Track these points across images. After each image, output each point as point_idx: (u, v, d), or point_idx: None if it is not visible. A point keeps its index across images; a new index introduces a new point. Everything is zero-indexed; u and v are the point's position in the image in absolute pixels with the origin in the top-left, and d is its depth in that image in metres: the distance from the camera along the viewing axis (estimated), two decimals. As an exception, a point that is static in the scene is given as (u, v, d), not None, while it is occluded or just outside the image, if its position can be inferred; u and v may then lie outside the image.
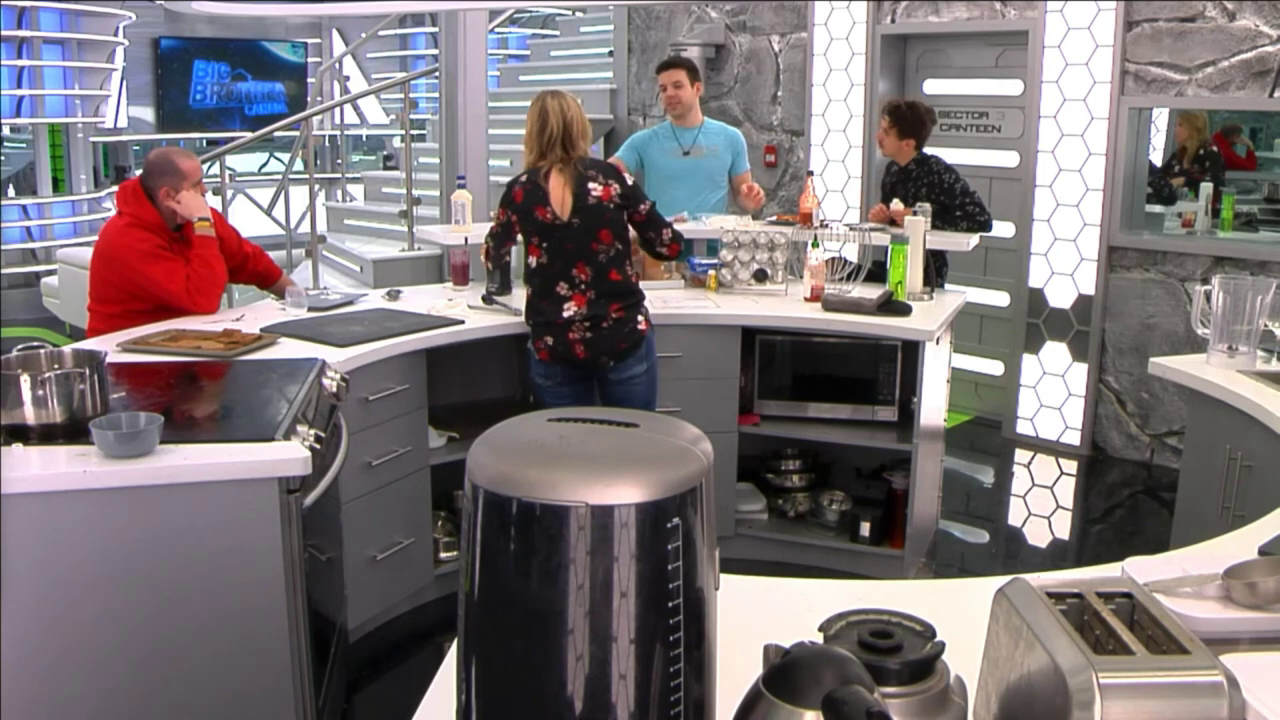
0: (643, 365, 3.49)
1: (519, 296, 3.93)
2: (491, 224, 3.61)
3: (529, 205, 3.39)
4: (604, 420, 1.11)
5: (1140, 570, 1.62)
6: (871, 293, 3.88)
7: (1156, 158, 5.26)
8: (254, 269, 3.86)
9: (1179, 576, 1.60)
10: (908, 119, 4.54)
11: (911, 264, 3.94)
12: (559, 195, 3.38)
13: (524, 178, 3.45)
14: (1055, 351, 5.33)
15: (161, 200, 3.41)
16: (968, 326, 5.59)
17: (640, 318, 3.47)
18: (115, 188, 3.85)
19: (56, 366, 2.38)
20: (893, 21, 5.82)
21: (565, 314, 3.38)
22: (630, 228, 3.49)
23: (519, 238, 3.50)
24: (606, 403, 3.53)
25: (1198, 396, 3.05)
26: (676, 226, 4.42)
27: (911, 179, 4.55)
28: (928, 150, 4.60)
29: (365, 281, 5.92)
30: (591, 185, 3.38)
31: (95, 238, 3.63)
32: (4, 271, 7.73)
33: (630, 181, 3.49)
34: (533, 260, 3.44)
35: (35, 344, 2.51)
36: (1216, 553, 1.74)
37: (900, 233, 4.02)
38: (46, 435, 2.26)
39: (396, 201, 6.69)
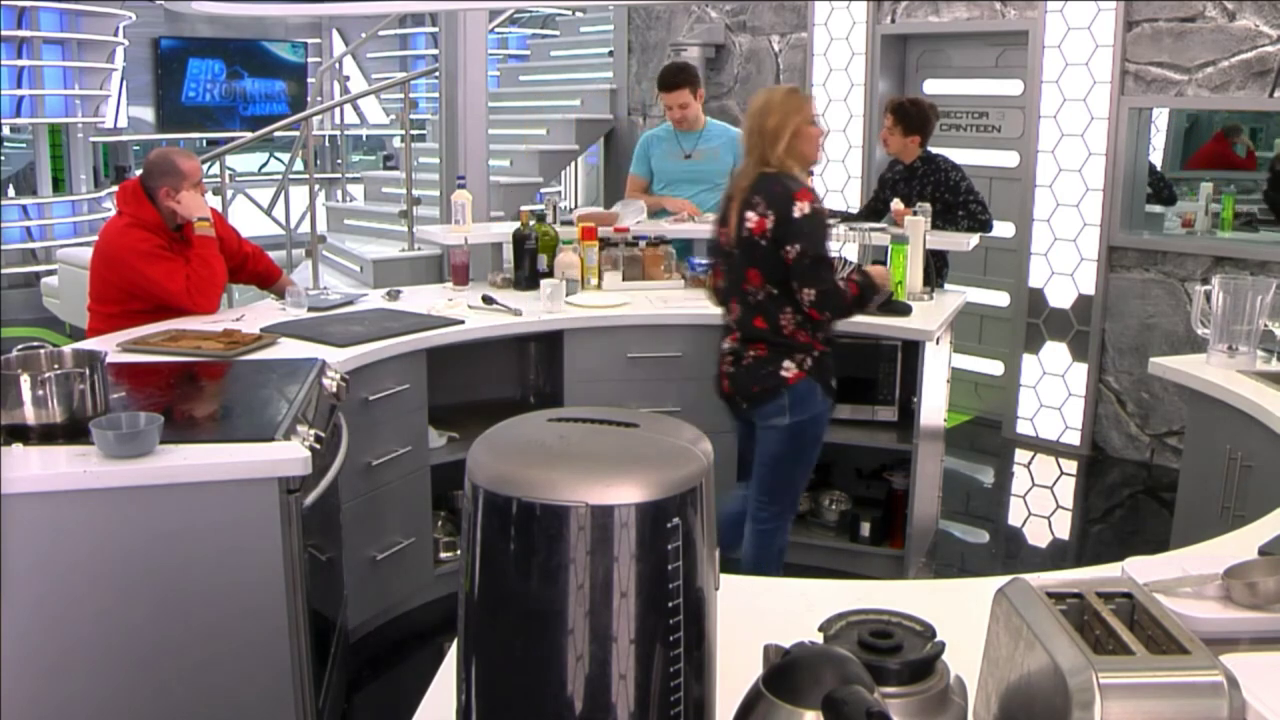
0: (783, 418, 3.04)
1: (522, 296, 3.95)
2: None
3: (717, 222, 3.09)
4: (604, 420, 1.11)
5: (1140, 570, 1.62)
6: (871, 293, 3.87)
7: (1156, 158, 5.26)
8: (254, 269, 3.86)
9: (1179, 576, 1.60)
10: (912, 116, 4.53)
11: (911, 264, 3.93)
12: (734, 215, 2.98)
13: (729, 189, 3.14)
14: (1055, 351, 5.33)
15: (162, 200, 3.41)
16: (968, 326, 5.59)
17: (788, 364, 3.00)
18: (115, 188, 3.85)
19: (56, 366, 2.38)
20: (893, 21, 5.82)
21: (724, 345, 3.15)
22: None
23: None
24: (755, 444, 3.19)
25: (1198, 396, 3.05)
26: (675, 228, 4.47)
27: (917, 177, 4.55)
28: (932, 149, 4.61)
29: (365, 281, 5.92)
30: (749, 214, 2.93)
31: (95, 238, 3.63)
32: (4, 271, 7.73)
33: (799, 215, 2.88)
34: (720, 281, 3.17)
35: (35, 344, 2.51)
36: (1216, 553, 1.74)
37: (900, 233, 4.02)
38: (46, 435, 2.26)
39: (396, 201, 6.68)
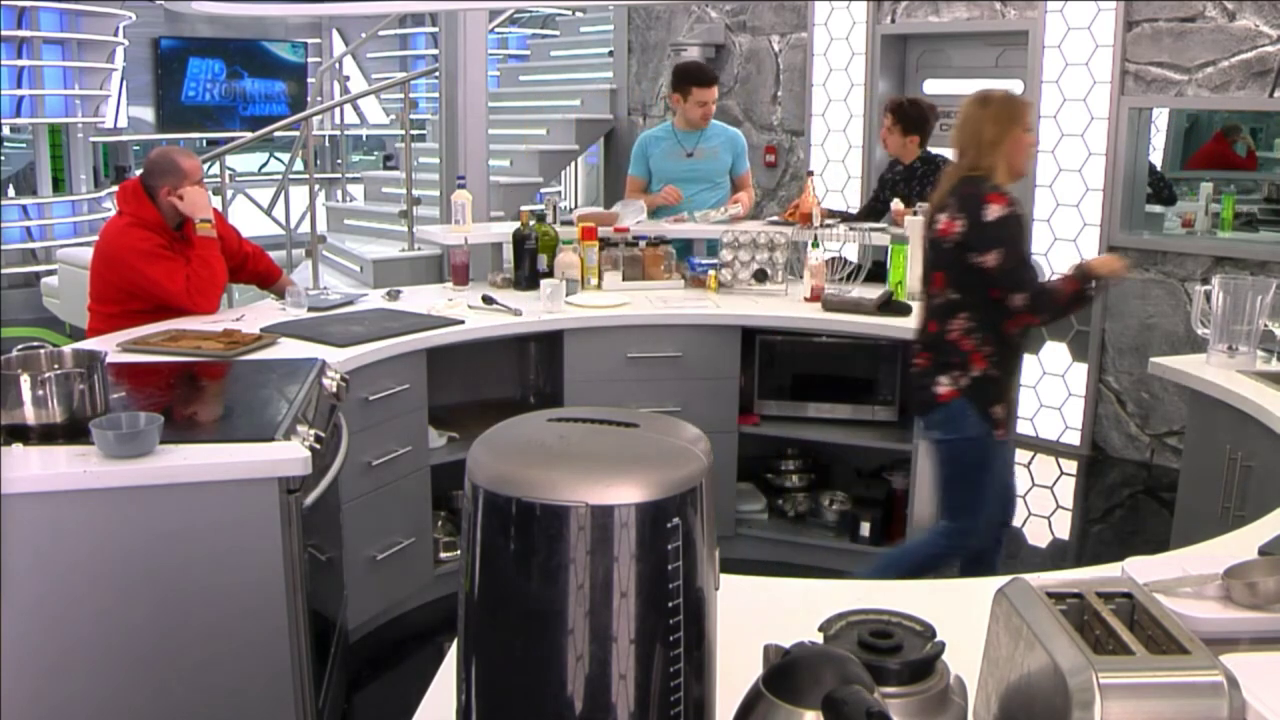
0: (936, 432, 2.98)
1: (522, 296, 3.95)
2: None
3: (928, 222, 3.01)
4: (604, 420, 1.11)
5: (1140, 570, 1.62)
6: (871, 293, 3.88)
7: (1156, 158, 5.26)
8: (254, 269, 3.86)
9: (1179, 576, 1.60)
10: (911, 116, 4.54)
11: (911, 264, 3.94)
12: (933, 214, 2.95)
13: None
14: (1055, 351, 5.33)
15: (163, 199, 3.41)
16: (968, 326, 5.59)
17: (943, 379, 2.90)
18: (115, 188, 3.85)
19: (56, 366, 2.38)
20: (893, 21, 5.82)
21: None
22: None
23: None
24: None
25: (1198, 396, 3.05)
26: (675, 227, 4.47)
27: (917, 177, 4.55)
28: (933, 149, 4.61)
29: (365, 281, 5.92)
30: (940, 215, 2.87)
31: (95, 238, 3.63)
32: (4, 271, 7.73)
33: (991, 219, 2.76)
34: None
35: (35, 344, 2.51)
36: (1216, 553, 1.74)
37: (900, 233, 4.02)
38: (46, 435, 2.26)
39: (396, 201, 6.69)
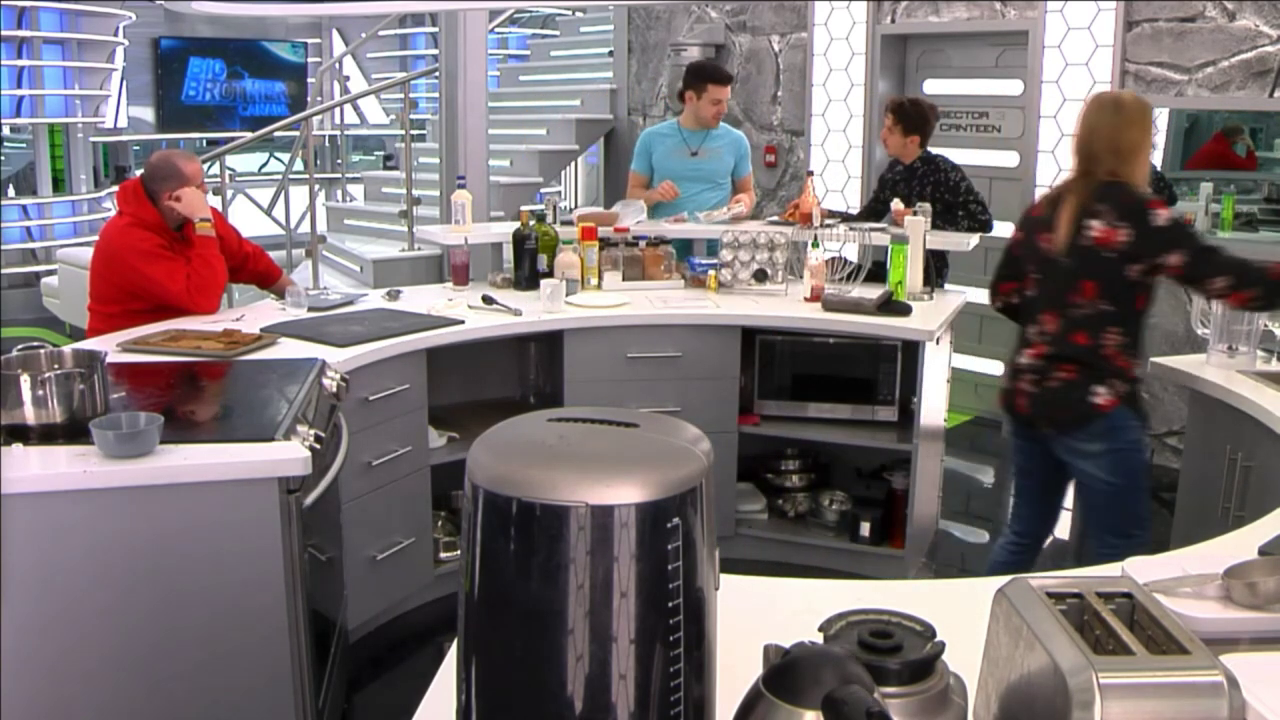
0: (1097, 444, 2.81)
1: (522, 296, 3.94)
2: None
3: (1038, 226, 2.88)
4: (604, 420, 1.11)
5: (1140, 570, 1.62)
6: (871, 293, 3.88)
7: (1156, 158, 5.26)
8: (254, 269, 3.86)
9: (1179, 576, 1.60)
10: (911, 116, 4.54)
11: (911, 264, 3.94)
12: (1064, 222, 2.79)
13: (1052, 192, 2.98)
14: (1055, 351, 5.32)
15: (164, 203, 3.41)
16: (968, 326, 5.58)
17: (1100, 389, 2.77)
18: (115, 188, 3.85)
19: (56, 366, 2.38)
20: (893, 21, 5.82)
21: (1020, 359, 2.93)
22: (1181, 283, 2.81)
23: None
24: (1072, 474, 2.97)
25: (1198, 396, 3.06)
26: (675, 228, 4.47)
27: (917, 177, 4.55)
28: (932, 149, 4.61)
29: (365, 281, 5.92)
30: (1092, 222, 2.73)
31: (95, 238, 3.63)
32: (4, 271, 7.73)
33: (1163, 224, 2.69)
34: (1028, 290, 2.96)
35: (35, 344, 2.51)
36: (1216, 553, 1.74)
37: (900, 233, 4.02)
38: (46, 435, 2.26)
39: (396, 201, 6.69)
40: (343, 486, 2.92)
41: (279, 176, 7.76)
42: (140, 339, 3.14)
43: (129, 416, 2.25)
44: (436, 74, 6.07)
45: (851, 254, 4.36)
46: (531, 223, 4.19)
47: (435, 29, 8.17)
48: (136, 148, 9.68)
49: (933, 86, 5.89)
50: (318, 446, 2.35)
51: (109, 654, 2.16)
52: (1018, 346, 2.96)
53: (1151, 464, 3.01)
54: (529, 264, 4.14)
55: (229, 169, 7.62)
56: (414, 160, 6.28)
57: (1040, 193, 5.20)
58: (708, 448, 1.09)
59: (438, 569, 3.63)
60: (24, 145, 8.62)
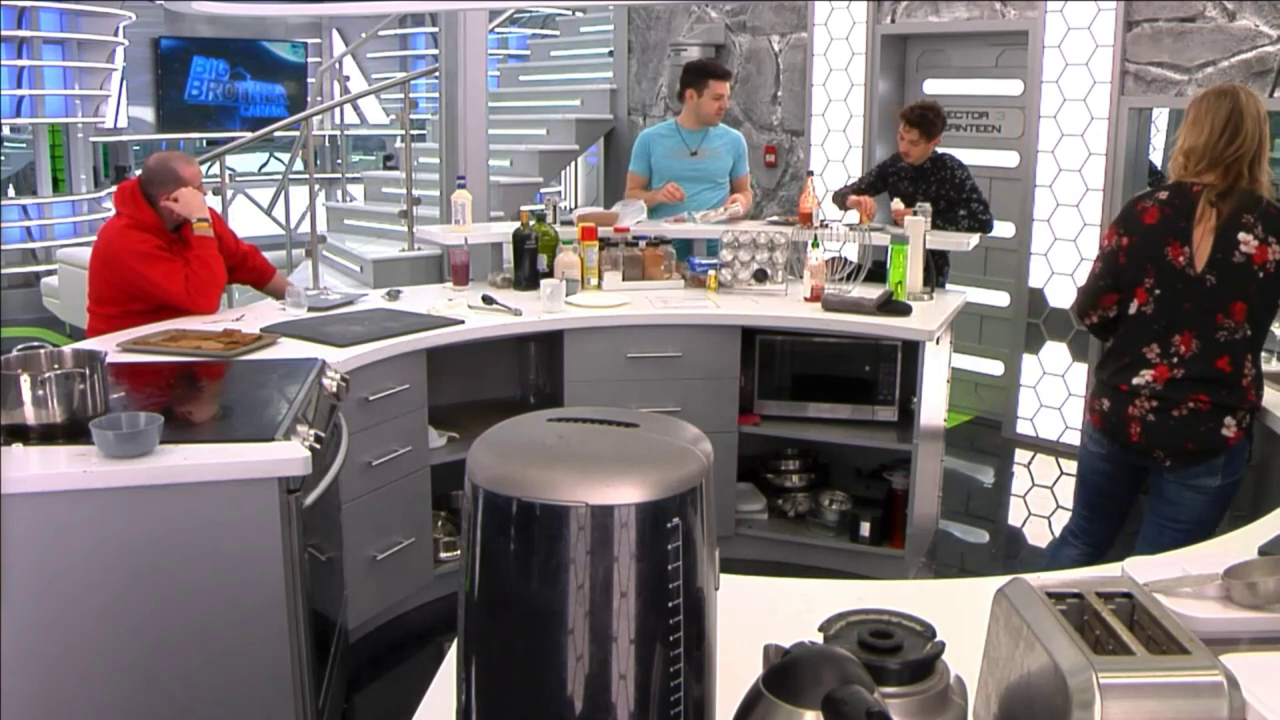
0: (1215, 479, 2.62)
1: (522, 296, 3.94)
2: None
3: (1161, 235, 2.58)
4: (604, 420, 1.11)
5: (1140, 570, 1.62)
6: (871, 293, 3.88)
7: (1156, 158, 5.26)
8: (250, 267, 3.86)
9: (1179, 576, 1.60)
10: (933, 123, 4.62)
11: (911, 264, 3.94)
12: (1202, 235, 2.54)
13: (1164, 195, 2.62)
14: (1055, 351, 5.33)
15: (162, 205, 3.41)
16: (968, 326, 5.59)
17: (1231, 421, 2.58)
18: (115, 188, 3.85)
19: (56, 366, 2.38)
20: (893, 21, 5.82)
21: (1136, 381, 2.65)
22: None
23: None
24: (1154, 496, 2.76)
25: (1198, 396, 3.05)
26: (675, 228, 4.47)
27: (925, 176, 4.58)
28: (939, 149, 4.65)
29: (365, 281, 5.92)
30: (1244, 236, 2.49)
31: (95, 238, 3.63)
32: (4, 271, 7.73)
33: None
34: (1134, 305, 2.67)
35: (35, 344, 2.51)
36: (1216, 553, 1.74)
37: (900, 233, 4.02)
38: (46, 435, 2.26)
39: (396, 201, 6.68)
40: (343, 486, 2.92)
41: (279, 176, 7.76)
42: (140, 339, 3.14)
43: (129, 416, 2.25)
44: (436, 74, 6.06)
45: (851, 254, 4.37)
46: (531, 223, 4.19)
47: (435, 29, 8.17)
48: (136, 148, 9.68)
49: (933, 86, 5.89)
50: (318, 446, 2.35)
51: (109, 654, 2.16)
52: (1125, 366, 2.69)
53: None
54: (529, 264, 4.14)
55: (229, 169, 7.62)
56: (414, 160, 6.28)
57: (1040, 192, 5.23)
58: (708, 448, 1.09)
59: (438, 569, 3.63)
60: (24, 145, 8.62)
